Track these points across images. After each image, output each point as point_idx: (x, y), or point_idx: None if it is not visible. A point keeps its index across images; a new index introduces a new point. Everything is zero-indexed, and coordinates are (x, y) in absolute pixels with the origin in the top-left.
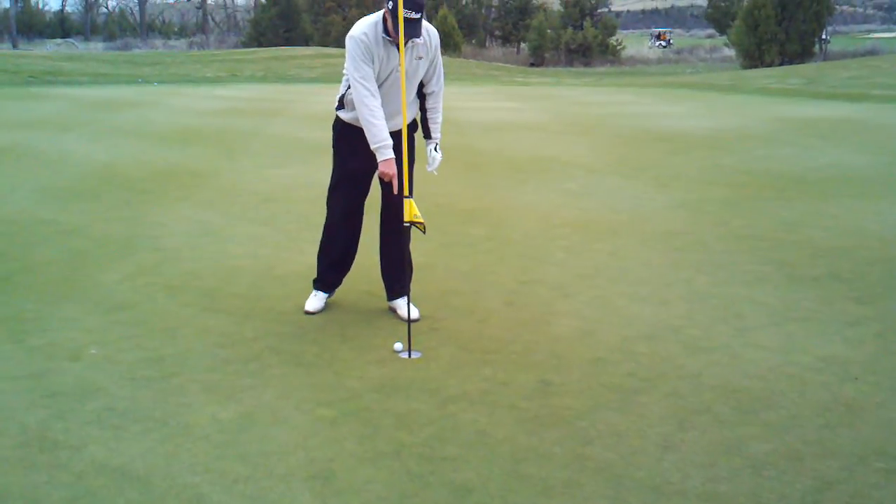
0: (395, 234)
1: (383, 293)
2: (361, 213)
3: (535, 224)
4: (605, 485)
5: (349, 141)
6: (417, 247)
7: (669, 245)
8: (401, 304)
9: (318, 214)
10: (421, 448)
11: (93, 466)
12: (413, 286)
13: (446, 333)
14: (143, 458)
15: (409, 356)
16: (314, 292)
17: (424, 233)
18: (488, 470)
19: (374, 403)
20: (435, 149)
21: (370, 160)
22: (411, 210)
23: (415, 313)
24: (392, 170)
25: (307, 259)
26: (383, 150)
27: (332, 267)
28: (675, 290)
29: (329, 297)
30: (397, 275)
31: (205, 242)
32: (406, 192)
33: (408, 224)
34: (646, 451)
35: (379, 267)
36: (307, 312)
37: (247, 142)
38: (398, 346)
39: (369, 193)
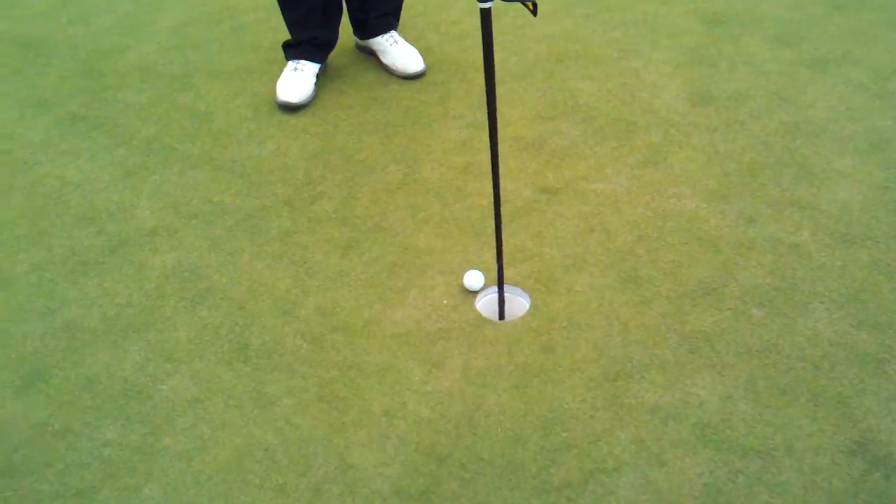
0: None
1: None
2: None
3: None
4: None
5: None
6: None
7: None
8: (383, 45)
9: None
10: None
11: None
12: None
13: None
14: None
15: (502, 316)
16: (290, 63)
17: (535, 14)
18: None
19: None
20: None
21: None
22: None
23: (419, 63)
24: None
25: None
26: None
27: (308, 20)
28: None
29: (321, 66)
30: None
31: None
32: None
33: None
34: None
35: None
36: (283, 105)
37: None
38: (472, 278)
39: None
